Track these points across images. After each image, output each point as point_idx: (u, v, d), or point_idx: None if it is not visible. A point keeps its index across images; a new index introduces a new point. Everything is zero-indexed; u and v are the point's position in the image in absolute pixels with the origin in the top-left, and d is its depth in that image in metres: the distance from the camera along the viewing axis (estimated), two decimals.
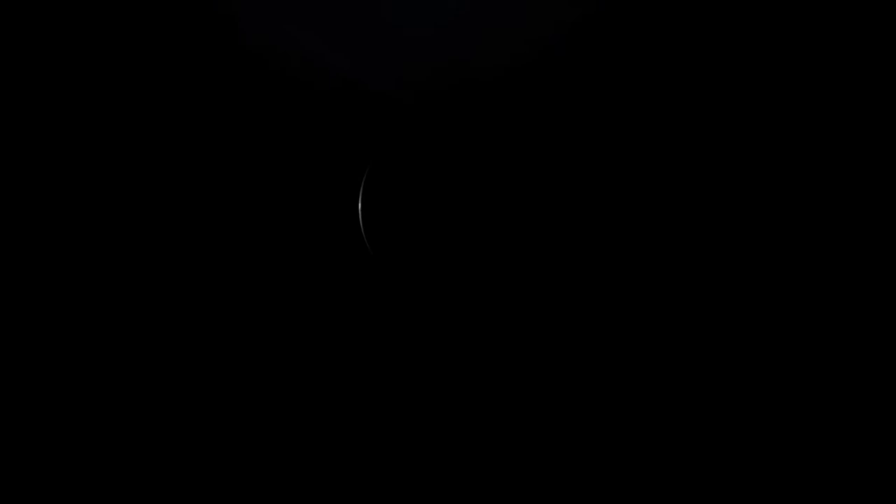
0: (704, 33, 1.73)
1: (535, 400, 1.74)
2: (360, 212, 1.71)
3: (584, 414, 1.73)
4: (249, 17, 1.78)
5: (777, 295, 1.72)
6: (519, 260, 1.75)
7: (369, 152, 1.74)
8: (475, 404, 1.75)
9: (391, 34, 1.77)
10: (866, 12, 1.71)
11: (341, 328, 1.77)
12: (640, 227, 1.75)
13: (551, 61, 1.75)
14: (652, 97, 1.75)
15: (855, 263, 1.71)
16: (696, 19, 1.73)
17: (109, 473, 1.73)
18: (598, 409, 1.73)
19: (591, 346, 1.74)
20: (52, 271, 1.78)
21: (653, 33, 1.74)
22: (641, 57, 1.75)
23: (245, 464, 1.73)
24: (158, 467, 1.73)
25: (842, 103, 1.72)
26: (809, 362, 1.71)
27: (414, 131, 1.72)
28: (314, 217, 1.79)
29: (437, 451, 1.73)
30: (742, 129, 1.74)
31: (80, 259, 1.78)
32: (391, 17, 1.76)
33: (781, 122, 1.73)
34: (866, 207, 1.71)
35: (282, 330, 1.77)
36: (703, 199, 1.74)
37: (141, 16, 1.78)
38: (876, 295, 1.70)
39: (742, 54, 1.73)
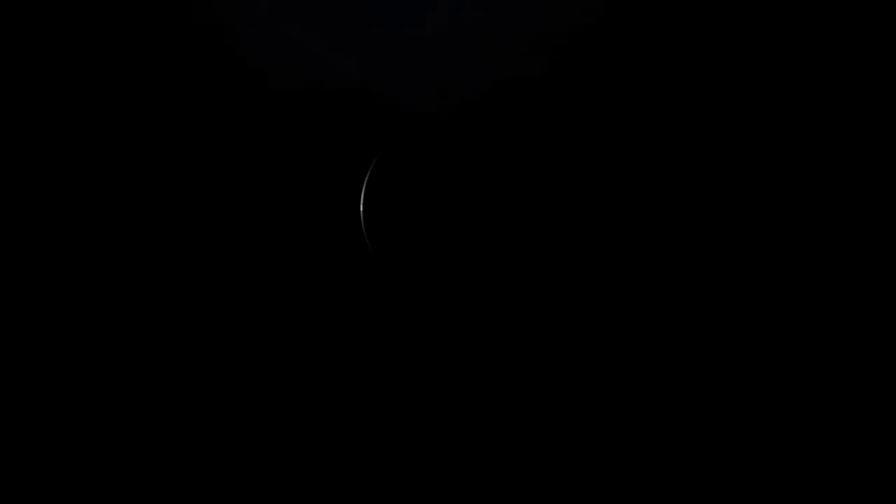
0: (712, 40, 1.74)
1: (535, 400, 1.74)
2: (361, 210, 1.71)
3: (584, 414, 1.73)
4: (250, 16, 1.79)
5: (777, 295, 1.73)
6: (520, 259, 1.75)
7: (371, 151, 1.74)
8: (475, 404, 1.74)
9: (394, 36, 1.77)
10: (866, 12, 1.71)
11: (341, 326, 1.77)
12: (641, 231, 1.75)
13: (556, 68, 1.75)
14: (656, 104, 1.75)
15: (855, 263, 1.71)
16: (704, 26, 1.74)
17: (109, 473, 1.73)
18: (598, 409, 1.73)
19: (592, 347, 1.74)
20: (53, 272, 1.78)
21: (659, 42, 1.74)
22: (648, 65, 1.75)
23: (245, 464, 1.73)
24: (158, 467, 1.73)
25: (842, 105, 1.73)
26: (809, 362, 1.71)
27: (416, 131, 1.72)
28: (315, 215, 1.79)
29: (437, 452, 1.73)
30: (750, 137, 1.74)
31: (81, 258, 1.78)
32: (395, 20, 1.76)
33: (792, 130, 1.74)
34: (866, 207, 1.71)
35: (281, 327, 1.77)
36: (708, 205, 1.74)
37: (142, 19, 1.79)
38: (876, 295, 1.70)
39: (750, 64, 1.73)
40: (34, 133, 1.79)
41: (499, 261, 1.74)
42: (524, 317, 1.76)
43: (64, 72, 1.79)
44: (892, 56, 1.71)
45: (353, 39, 1.78)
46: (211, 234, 1.79)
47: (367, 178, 1.71)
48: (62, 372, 1.75)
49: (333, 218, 1.78)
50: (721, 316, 1.73)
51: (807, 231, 1.73)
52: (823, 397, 1.69)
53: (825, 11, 1.72)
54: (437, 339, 1.76)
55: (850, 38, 1.72)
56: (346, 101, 1.78)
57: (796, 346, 1.71)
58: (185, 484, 1.72)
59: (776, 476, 1.68)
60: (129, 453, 1.73)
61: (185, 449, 1.74)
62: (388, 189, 1.71)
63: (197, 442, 1.74)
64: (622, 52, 1.76)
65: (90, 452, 1.73)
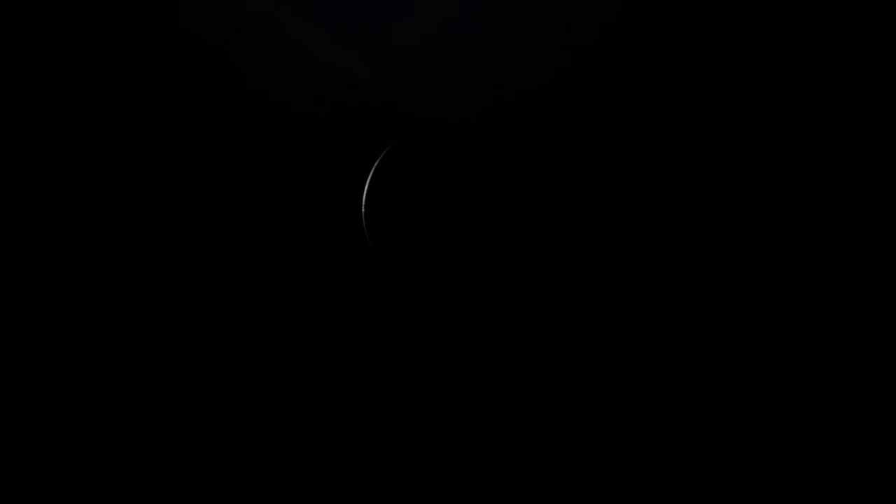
0: (719, 46, 1.74)
1: (535, 400, 1.74)
2: (363, 207, 1.71)
3: (585, 414, 1.73)
4: (249, 15, 1.79)
5: (777, 297, 1.73)
6: (518, 260, 1.76)
7: (374, 152, 1.75)
8: (475, 404, 1.75)
9: (399, 37, 1.77)
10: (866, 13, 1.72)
11: (340, 323, 1.77)
12: (642, 235, 1.75)
13: (559, 73, 1.75)
14: (660, 110, 1.76)
15: (855, 263, 1.72)
16: (710, 32, 1.74)
17: (109, 473, 1.73)
18: (598, 409, 1.73)
19: (591, 347, 1.75)
20: (55, 273, 1.78)
21: (667, 48, 1.74)
22: (652, 71, 1.75)
23: (245, 464, 1.73)
24: (158, 467, 1.73)
25: (844, 109, 1.73)
26: (809, 362, 1.71)
27: (419, 132, 1.73)
28: (316, 215, 1.79)
29: (438, 451, 1.73)
30: (758, 146, 1.75)
31: (83, 257, 1.78)
32: (400, 20, 1.76)
33: (793, 136, 1.74)
34: (866, 208, 1.72)
35: (282, 325, 1.77)
36: (707, 209, 1.75)
37: (146, 18, 1.79)
38: (876, 295, 1.71)
39: (762, 78, 1.73)
40: (33, 137, 1.79)
41: (498, 261, 1.75)
42: (523, 316, 1.76)
43: (62, 76, 1.79)
44: (893, 56, 1.72)
45: (357, 40, 1.78)
46: (213, 233, 1.79)
47: (369, 179, 1.71)
48: (62, 372, 1.75)
49: (335, 217, 1.78)
50: (720, 318, 1.74)
51: (807, 236, 1.73)
52: (823, 397, 1.70)
53: (827, 17, 1.72)
54: (435, 336, 1.76)
55: (858, 47, 1.72)
56: (347, 102, 1.79)
57: (796, 347, 1.71)
58: (186, 484, 1.72)
59: (776, 476, 1.68)
60: (129, 453, 1.73)
61: (186, 449, 1.74)
62: (389, 189, 1.71)
63: (197, 442, 1.74)
64: (628, 57, 1.76)
65: (90, 452, 1.73)
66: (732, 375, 1.72)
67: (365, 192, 1.71)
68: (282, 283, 1.79)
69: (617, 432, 1.72)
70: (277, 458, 1.74)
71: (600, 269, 1.76)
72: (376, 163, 1.71)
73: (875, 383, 1.69)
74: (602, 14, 1.74)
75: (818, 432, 1.69)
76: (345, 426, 1.75)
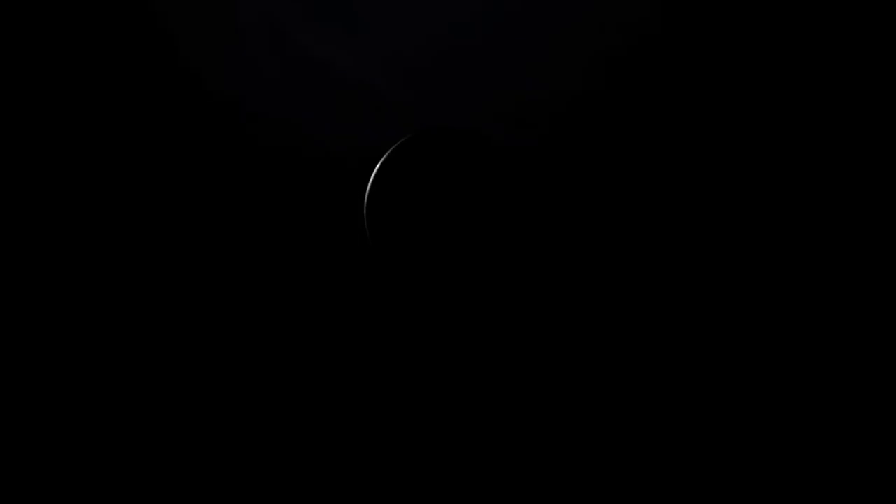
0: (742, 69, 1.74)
1: (534, 400, 1.74)
2: (365, 208, 1.71)
3: (585, 414, 1.73)
4: (251, 12, 1.79)
5: (777, 297, 1.74)
6: (519, 262, 1.76)
7: (377, 152, 1.75)
8: (475, 404, 1.75)
9: (405, 39, 1.77)
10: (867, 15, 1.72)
11: (342, 322, 1.77)
12: (643, 239, 1.76)
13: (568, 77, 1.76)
14: (670, 123, 1.76)
15: (855, 264, 1.73)
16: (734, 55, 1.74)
17: (109, 473, 1.72)
18: (598, 410, 1.73)
19: (591, 348, 1.75)
20: (57, 273, 1.77)
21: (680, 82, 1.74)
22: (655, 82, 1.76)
23: (245, 463, 1.73)
24: (158, 467, 1.72)
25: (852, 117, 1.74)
26: (809, 362, 1.72)
27: (422, 134, 1.73)
28: (317, 212, 1.79)
29: (437, 451, 1.73)
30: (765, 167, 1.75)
31: (84, 257, 1.78)
32: (403, 21, 1.76)
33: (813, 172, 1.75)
34: (866, 208, 1.73)
35: (283, 323, 1.77)
36: (707, 214, 1.75)
37: (146, 18, 1.78)
38: (876, 295, 1.72)
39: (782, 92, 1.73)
40: (30, 140, 1.78)
41: (498, 264, 1.75)
42: (523, 318, 1.76)
43: (59, 76, 1.78)
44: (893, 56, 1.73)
45: (360, 40, 1.78)
46: (214, 235, 1.79)
47: (371, 180, 1.71)
48: (62, 372, 1.75)
49: (336, 218, 1.78)
50: (718, 319, 1.74)
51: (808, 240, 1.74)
52: (823, 397, 1.71)
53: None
54: (434, 337, 1.76)
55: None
56: (348, 102, 1.78)
57: (796, 347, 1.72)
58: (186, 484, 1.72)
59: (776, 476, 1.69)
60: (129, 453, 1.73)
61: (186, 448, 1.73)
62: (391, 190, 1.71)
63: (197, 441, 1.74)
64: (635, 62, 1.76)
65: (90, 452, 1.73)
66: (734, 383, 1.73)
67: (367, 194, 1.71)
68: (281, 285, 1.78)
69: (616, 432, 1.72)
70: (278, 456, 1.73)
71: (603, 273, 1.76)
72: (378, 164, 1.70)
73: (875, 383, 1.70)
74: (608, 18, 1.74)
75: (818, 432, 1.70)
76: (345, 425, 1.75)
